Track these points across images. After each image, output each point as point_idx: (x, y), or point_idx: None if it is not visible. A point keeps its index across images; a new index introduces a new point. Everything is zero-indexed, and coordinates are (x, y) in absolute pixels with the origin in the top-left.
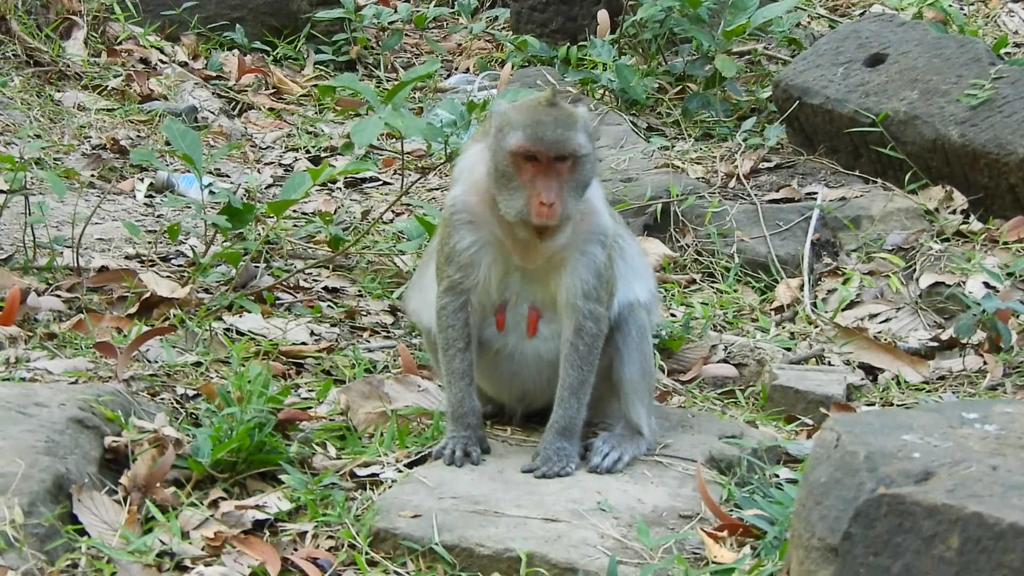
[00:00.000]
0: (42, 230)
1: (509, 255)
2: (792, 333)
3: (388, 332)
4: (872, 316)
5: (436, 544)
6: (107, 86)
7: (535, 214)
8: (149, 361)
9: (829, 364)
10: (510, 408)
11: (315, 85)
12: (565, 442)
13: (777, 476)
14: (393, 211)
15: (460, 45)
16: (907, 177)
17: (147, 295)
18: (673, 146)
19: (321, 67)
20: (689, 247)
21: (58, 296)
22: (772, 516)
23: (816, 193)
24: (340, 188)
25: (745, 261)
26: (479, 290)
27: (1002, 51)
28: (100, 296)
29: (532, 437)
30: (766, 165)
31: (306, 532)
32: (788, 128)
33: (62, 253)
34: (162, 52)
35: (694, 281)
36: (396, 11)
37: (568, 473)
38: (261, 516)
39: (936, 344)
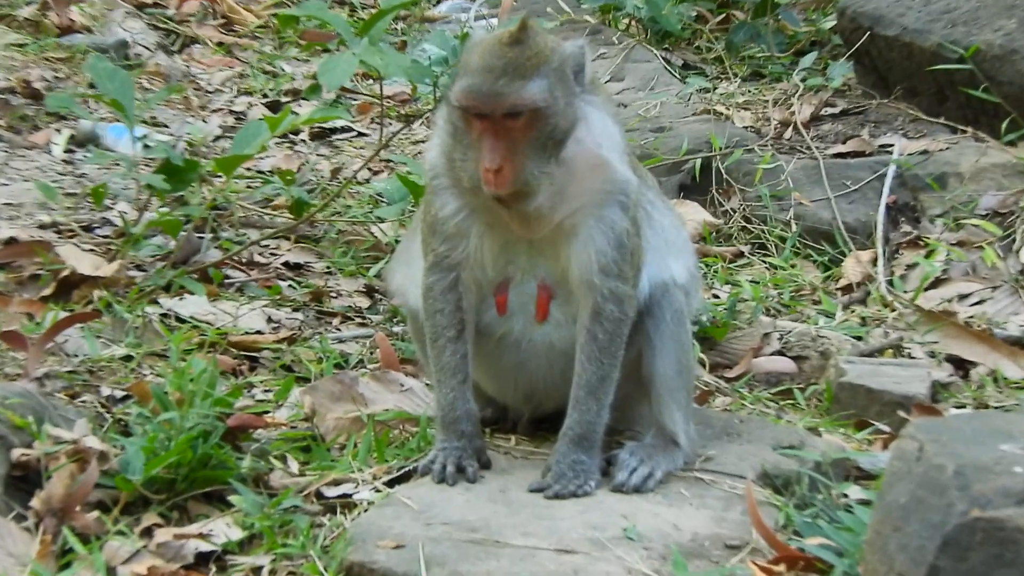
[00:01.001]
0: None
1: (506, 222)
2: (863, 318)
3: (363, 318)
4: (962, 297)
5: None
6: (18, 16)
7: (484, 181)
8: (68, 355)
9: (909, 356)
10: (515, 411)
11: (274, 14)
12: (583, 454)
13: (846, 496)
14: (370, 168)
15: None
16: (1004, 125)
17: (66, 273)
18: (715, 88)
19: None
20: (735, 212)
21: None
22: (840, 546)
23: (892, 145)
24: (304, 140)
25: (804, 229)
26: (471, 265)
27: None
28: (7, 274)
29: (542, 448)
30: (830, 111)
31: (261, 567)
32: (857, 65)
33: None
34: None
35: (741, 254)
36: None
37: (586, 492)
38: (206, 547)
39: None
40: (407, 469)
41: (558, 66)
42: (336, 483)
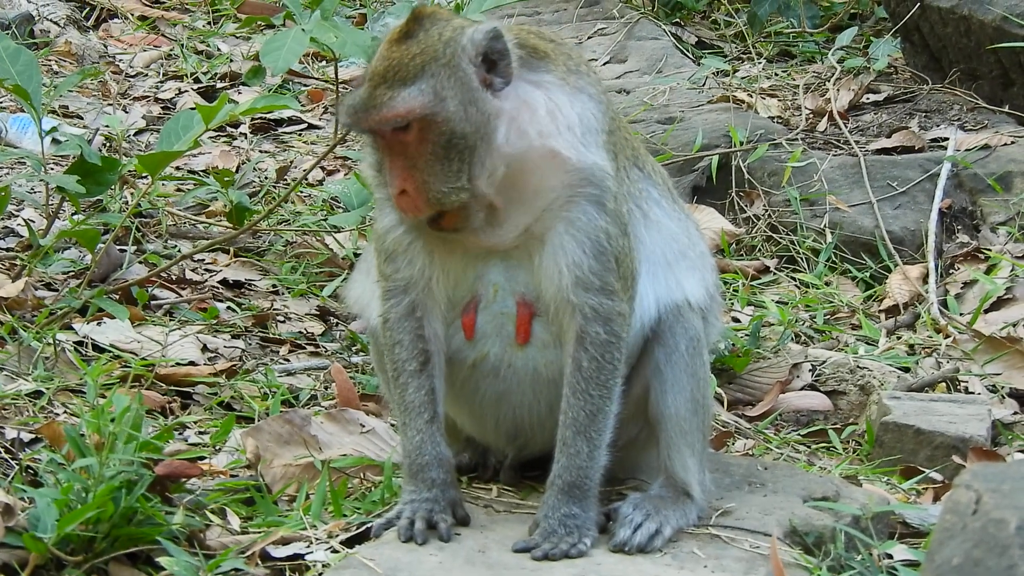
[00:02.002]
0: None
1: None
2: (911, 346)
3: (316, 346)
4: None
5: None
6: None
7: (396, 206)
8: None
9: (966, 391)
10: (497, 453)
11: None
12: (575, 506)
13: (890, 556)
14: (323, 168)
15: None
16: None
17: None
18: (735, 70)
19: None
20: (759, 220)
21: None
22: None
23: (946, 139)
24: (245, 134)
25: (842, 240)
26: (426, 285)
27: None
28: None
29: (529, 499)
30: (872, 98)
31: None
32: (904, 43)
33: None
34: None
35: (767, 269)
36: None
37: (581, 552)
38: None
39: None
40: (369, 525)
41: (449, 61)
42: (285, 542)
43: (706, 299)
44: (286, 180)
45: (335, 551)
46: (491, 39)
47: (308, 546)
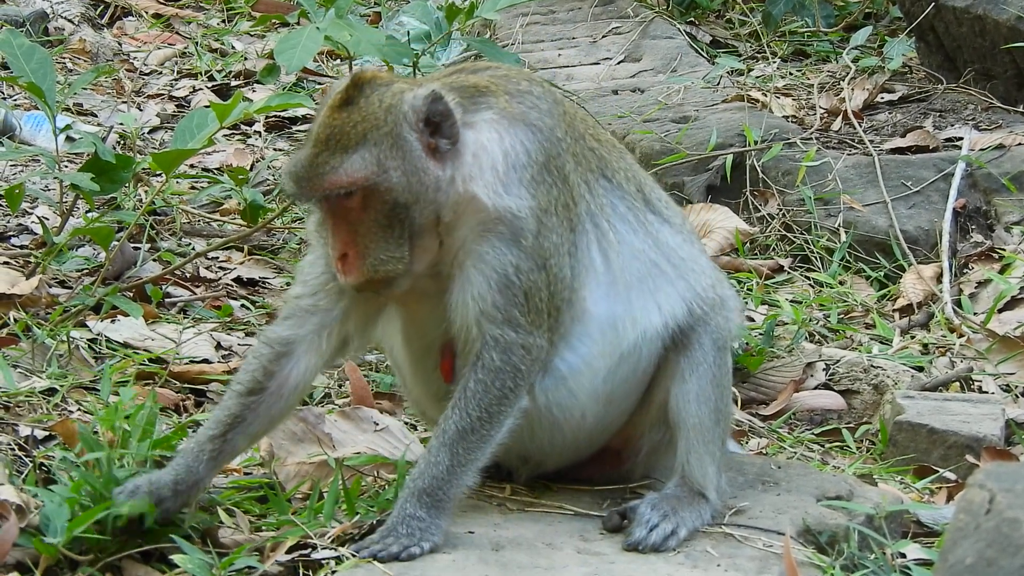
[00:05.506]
0: None
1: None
2: (925, 345)
3: None
4: None
5: None
6: None
7: (336, 269)
8: None
9: (980, 391)
10: (509, 467)
11: None
12: (422, 510)
13: (903, 556)
14: None
15: None
16: None
17: None
18: (750, 70)
19: None
20: (773, 219)
21: None
22: None
23: (960, 139)
24: (259, 132)
25: (855, 239)
26: (397, 342)
27: None
28: None
29: (544, 498)
30: (887, 98)
31: None
32: (919, 43)
33: None
34: None
35: (781, 268)
36: None
37: (412, 556)
38: None
39: None
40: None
41: (391, 129)
42: (298, 541)
43: (685, 314)
44: None
45: (345, 546)
46: (431, 102)
47: (321, 545)
